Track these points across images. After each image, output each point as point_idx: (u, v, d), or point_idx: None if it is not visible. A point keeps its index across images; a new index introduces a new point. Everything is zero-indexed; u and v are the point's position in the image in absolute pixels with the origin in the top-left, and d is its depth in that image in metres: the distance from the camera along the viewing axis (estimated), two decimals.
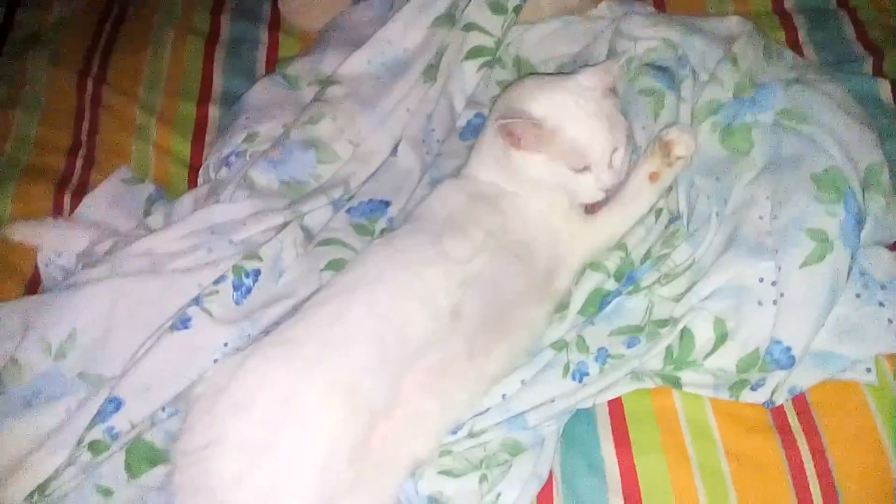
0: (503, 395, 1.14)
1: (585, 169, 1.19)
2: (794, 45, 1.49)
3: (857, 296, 1.13)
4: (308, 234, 1.33)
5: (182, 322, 1.15)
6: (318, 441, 1.00)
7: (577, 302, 1.20)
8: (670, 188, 1.26)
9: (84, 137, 1.54)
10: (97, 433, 1.09)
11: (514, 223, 1.21)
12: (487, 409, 1.13)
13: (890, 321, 1.11)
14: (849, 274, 1.12)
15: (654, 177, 1.24)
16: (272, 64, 1.65)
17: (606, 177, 1.19)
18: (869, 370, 1.10)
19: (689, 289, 1.18)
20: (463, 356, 1.09)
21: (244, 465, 0.98)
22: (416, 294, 1.10)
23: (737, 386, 1.10)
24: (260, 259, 1.23)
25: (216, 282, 1.20)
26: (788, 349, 1.08)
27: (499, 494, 1.08)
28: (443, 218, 1.21)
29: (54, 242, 1.36)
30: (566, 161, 1.18)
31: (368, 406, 1.03)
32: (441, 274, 1.12)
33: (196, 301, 1.18)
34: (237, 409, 1.01)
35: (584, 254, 1.23)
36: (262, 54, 1.67)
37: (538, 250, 1.20)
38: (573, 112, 1.18)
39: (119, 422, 1.10)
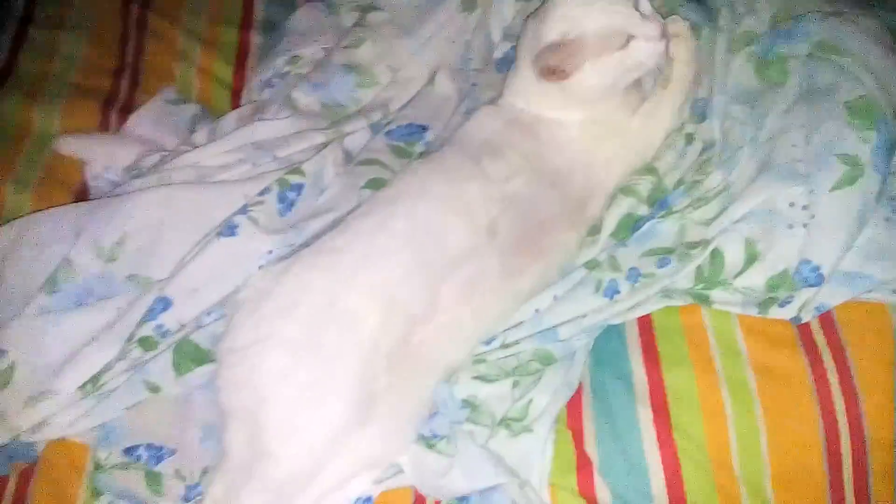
0: (536, 310, 1.17)
1: (631, 39, 1.19)
2: None
3: (886, 220, 1.15)
4: (348, 155, 1.37)
5: (229, 229, 1.19)
6: (359, 341, 1.04)
7: (609, 226, 1.23)
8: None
9: (129, 60, 1.57)
10: (147, 330, 1.14)
11: (549, 150, 1.24)
12: (520, 323, 1.17)
13: None
14: (879, 198, 1.14)
15: (663, 83, 1.28)
16: None
17: (649, 27, 1.19)
18: (895, 291, 1.13)
19: (720, 213, 1.20)
20: (496, 271, 1.13)
21: (288, 362, 1.03)
22: (456, 208, 1.13)
23: (765, 303, 1.13)
24: (303, 174, 1.27)
25: (261, 193, 1.23)
26: (817, 268, 1.11)
27: (531, 400, 1.12)
28: (480, 141, 1.24)
29: (102, 156, 1.40)
30: (611, 47, 1.19)
31: (406, 310, 1.07)
32: (479, 190, 1.15)
33: (243, 210, 1.21)
34: (282, 311, 1.06)
35: (619, 175, 1.26)
36: None
37: (573, 177, 1.23)
38: (580, 10, 1.19)
39: (168, 320, 1.15)
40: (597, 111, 1.25)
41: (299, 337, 1.04)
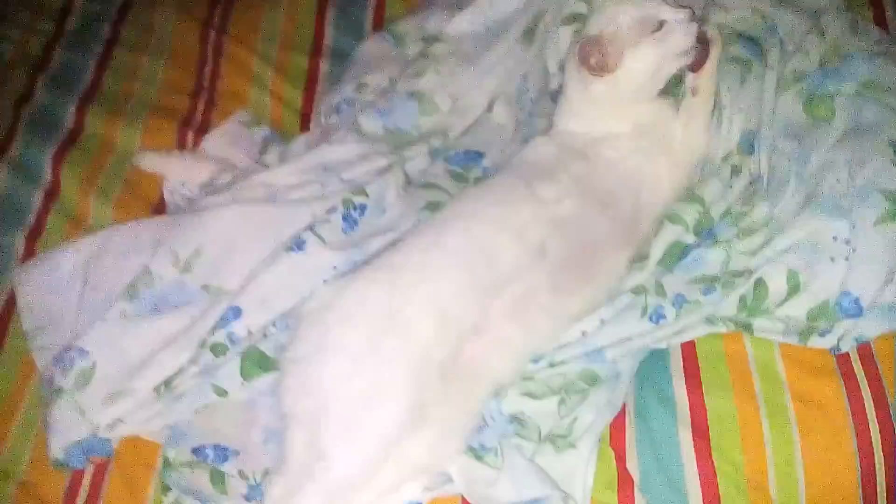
0: (583, 332, 1.22)
1: (663, 25, 1.27)
2: (881, 22, 1.53)
3: None
4: (408, 179, 1.43)
5: (297, 244, 1.26)
6: (414, 352, 1.10)
7: (656, 253, 1.27)
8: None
9: (206, 82, 1.67)
10: (219, 337, 1.21)
11: (600, 171, 1.29)
12: (568, 344, 1.21)
13: None
14: None
15: (693, 90, 1.34)
16: (378, 22, 1.75)
17: (678, 11, 1.27)
18: None
19: (765, 244, 1.24)
20: (546, 290, 1.18)
21: (348, 369, 1.09)
22: (507, 228, 1.19)
23: (806, 332, 1.17)
24: (366, 195, 1.34)
25: (328, 212, 1.31)
26: (857, 299, 1.14)
27: (575, 418, 1.17)
28: (533, 166, 1.30)
29: (179, 172, 1.49)
30: (646, 32, 1.26)
31: (458, 324, 1.13)
32: (530, 212, 1.20)
33: (310, 227, 1.28)
34: (343, 322, 1.12)
35: (667, 193, 1.30)
36: (369, 13, 1.78)
37: (623, 197, 1.27)
38: (612, 10, 1.29)
39: (238, 328, 1.22)
40: (642, 118, 1.32)
41: (358, 345, 1.10)
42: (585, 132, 1.34)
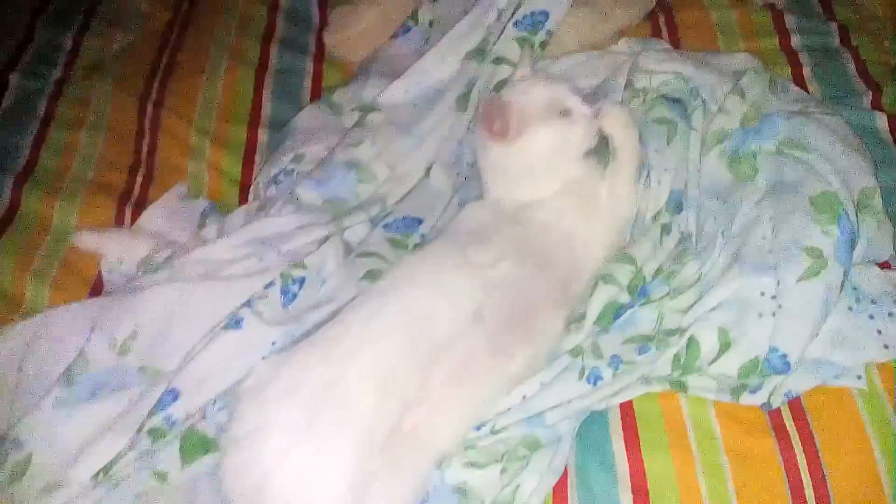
0: (524, 396, 1.23)
1: (567, 113, 1.33)
2: (800, 80, 1.59)
3: (850, 308, 1.22)
4: (348, 248, 1.44)
5: (235, 322, 1.26)
6: (355, 424, 1.09)
7: (592, 313, 1.28)
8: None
9: (144, 157, 1.67)
10: (156, 421, 1.20)
11: (534, 233, 1.31)
12: (509, 409, 1.22)
13: (879, 332, 1.21)
14: (842, 289, 1.21)
15: (613, 153, 1.38)
16: (317, 92, 1.77)
17: (583, 106, 1.34)
18: (859, 377, 1.19)
19: (696, 301, 1.27)
20: (485, 354, 1.18)
21: (287, 445, 1.07)
22: (443, 295, 1.20)
23: (737, 389, 1.20)
24: (305, 268, 1.34)
25: (266, 287, 1.31)
26: (785, 356, 1.17)
27: (518, 486, 1.16)
28: (468, 231, 1.32)
29: (116, 250, 1.48)
30: (551, 116, 1.32)
31: (400, 395, 1.12)
32: (465, 278, 1.21)
33: (248, 304, 1.28)
34: (281, 397, 1.11)
35: (600, 251, 1.33)
36: (307, 83, 1.80)
37: (558, 258, 1.29)
38: (525, 86, 1.38)
39: (176, 411, 1.21)
40: (568, 178, 1.35)
41: (297, 420, 1.08)
42: (513, 199, 1.36)
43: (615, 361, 1.25)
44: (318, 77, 1.82)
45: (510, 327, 1.21)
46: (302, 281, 1.34)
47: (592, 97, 1.43)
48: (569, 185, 1.35)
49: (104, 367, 1.28)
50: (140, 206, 1.58)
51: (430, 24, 1.76)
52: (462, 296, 1.20)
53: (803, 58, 1.63)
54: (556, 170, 1.36)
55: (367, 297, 1.23)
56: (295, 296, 1.33)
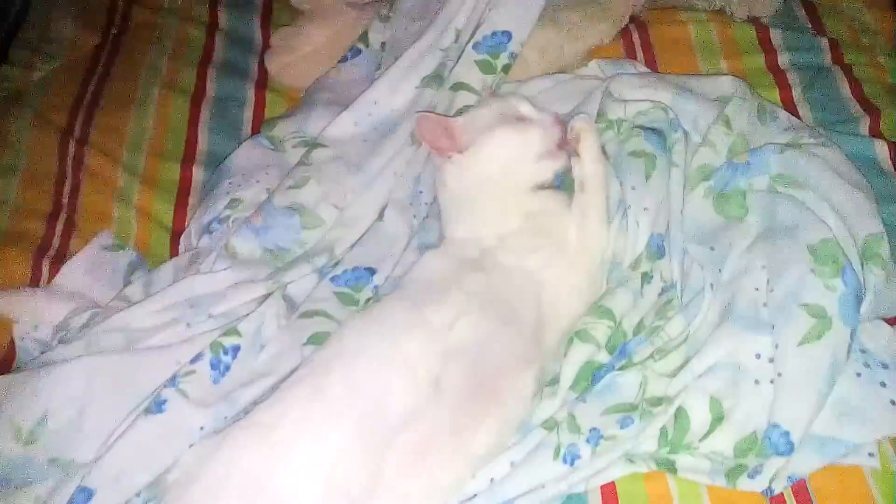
0: (491, 480, 1.09)
1: (524, 121, 1.26)
2: (789, 104, 1.46)
3: (858, 375, 1.08)
4: (291, 304, 1.29)
5: (157, 405, 1.11)
6: None
7: (567, 376, 1.15)
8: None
9: (65, 201, 1.51)
10: None
11: (496, 281, 1.17)
12: (474, 496, 1.08)
13: (892, 402, 1.06)
14: (849, 352, 1.07)
15: (580, 185, 1.26)
16: (259, 123, 1.62)
17: (542, 114, 1.27)
18: (871, 454, 1.05)
19: (683, 364, 1.13)
20: (445, 430, 1.04)
21: None
22: (395, 366, 1.06)
23: (734, 472, 1.05)
24: (239, 335, 1.20)
25: (193, 360, 1.16)
26: (787, 434, 1.03)
27: None
28: (425, 285, 1.19)
29: (30, 314, 1.32)
30: (502, 123, 1.26)
31: (346, 489, 0.98)
32: (419, 344, 1.08)
33: (172, 382, 1.14)
34: (210, 497, 0.98)
35: (571, 298, 1.20)
36: (248, 113, 1.65)
37: (523, 308, 1.16)
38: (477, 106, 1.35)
39: None
40: (528, 211, 1.24)
41: None
42: (475, 237, 1.23)
43: (594, 436, 1.10)
44: (259, 106, 1.66)
45: (472, 396, 1.07)
46: (236, 350, 1.19)
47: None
48: (531, 219, 1.24)
49: (9, 460, 1.12)
50: (59, 260, 1.42)
51: (382, 46, 1.62)
52: (418, 366, 1.07)
53: (792, 78, 1.50)
54: (515, 192, 1.26)
55: (308, 372, 1.09)
56: (228, 368, 1.18)
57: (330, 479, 0.98)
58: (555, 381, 1.16)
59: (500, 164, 1.26)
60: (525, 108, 1.27)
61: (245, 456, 1.00)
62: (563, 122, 1.28)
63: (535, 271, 1.19)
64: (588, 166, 1.26)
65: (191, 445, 1.10)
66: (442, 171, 1.30)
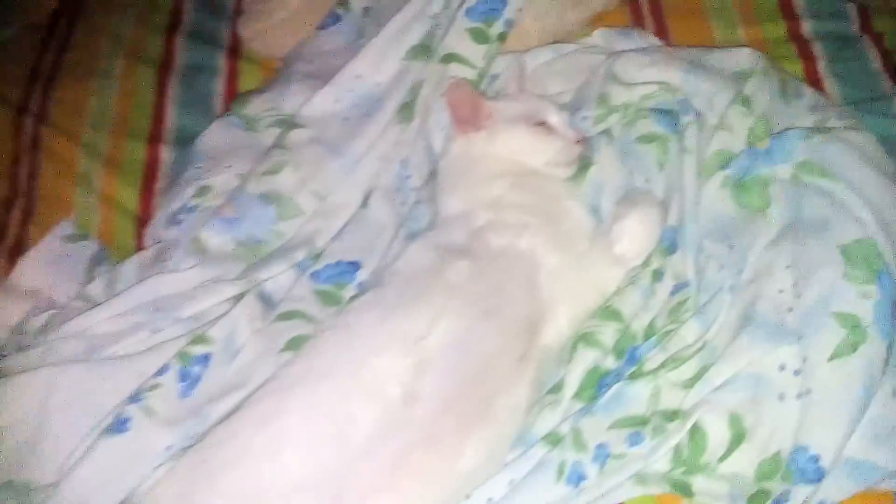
0: (489, 500, 1.00)
1: (544, 125, 1.20)
2: (813, 78, 1.36)
3: (895, 393, 0.99)
4: (268, 303, 1.19)
5: (119, 424, 1.02)
6: None
7: (571, 384, 1.06)
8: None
9: (22, 187, 1.40)
10: None
11: (484, 267, 1.08)
12: None
13: None
14: (885, 367, 0.98)
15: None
16: (231, 95, 1.50)
17: (570, 129, 1.21)
18: None
19: (699, 374, 1.03)
20: (422, 446, 0.95)
21: None
22: (362, 388, 0.98)
23: (756, 498, 0.96)
24: (209, 342, 1.10)
25: (159, 372, 1.06)
26: (816, 459, 0.93)
27: None
28: (403, 283, 1.09)
29: None
30: (526, 122, 1.20)
31: None
32: (390, 359, 1.00)
33: (135, 398, 1.04)
34: None
35: (570, 291, 1.10)
36: (220, 84, 1.53)
37: (513, 293, 1.07)
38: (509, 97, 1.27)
39: None
40: (525, 184, 1.18)
41: None
42: (466, 213, 1.15)
43: (601, 454, 1.01)
44: (232, 77, 1.54)
45: (455, 408, 0.98)
46: (206, 359, 1.10)
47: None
48: (535, 201, 1.16)
49: None
50: (16, 252, 1.32)
51: (365, 11, 1.49)
52: (387, 383, 0.98)
53: (817, 49, 1.39)
54: (521, 177, 1.18)
55: (267, 392, 1.01)
56: (198, 379, 1.09)
57: None
58: (558, 388, 1.07)
59: (511, 157, 1.21)
60: (554, 119, 1.22)
61: (189, 485, 0.95)
62: (585, 137, 1.22)
63: (528, 251, 1.10)
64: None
65: (157, 467, 1.01)
66: (454, 142, 1.25)
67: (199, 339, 1.10)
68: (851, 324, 0.97)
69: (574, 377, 1.07)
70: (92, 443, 1.02)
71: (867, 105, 1.28)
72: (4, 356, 1.15)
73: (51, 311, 1.21)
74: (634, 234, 1.12)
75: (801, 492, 0.94)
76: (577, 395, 1.07)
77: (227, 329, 1.12)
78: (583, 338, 1.08)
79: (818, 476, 0.94)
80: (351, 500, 0.93)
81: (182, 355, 1.08)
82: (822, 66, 1.37)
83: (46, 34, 1.60)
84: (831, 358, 0.96)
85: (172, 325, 1.14)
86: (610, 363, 1.08)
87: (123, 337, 1.13)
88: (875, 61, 1.36)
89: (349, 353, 1.02)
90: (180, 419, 1.04)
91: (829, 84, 1.35)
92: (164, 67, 1.54)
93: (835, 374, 0.96)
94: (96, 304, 1.18)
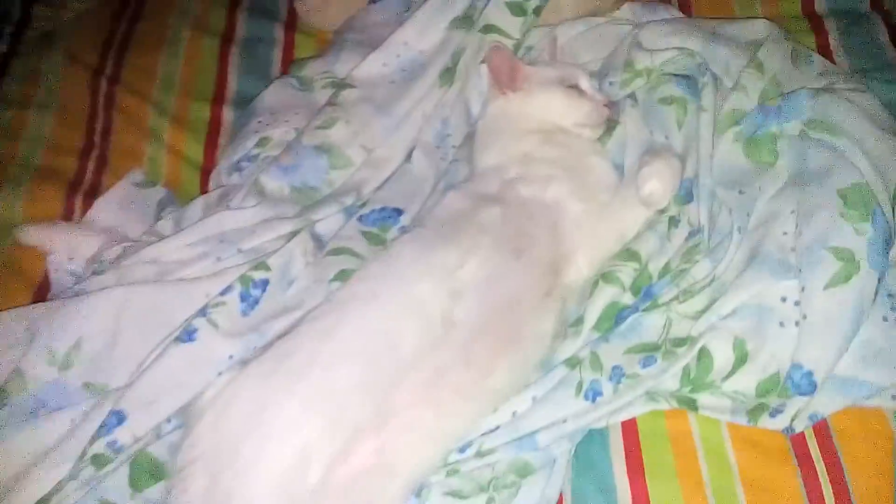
0: (513, 413, 1.10)
1: (576, 88, 1.31)
2: (825, 50, 1.44)
3: (884, 319, 1.08)
4: (319, 242, 1.31)
5: (188, 334, 1.13)
6: (284, 451, 0.98)
7: (591, 316, 1.16)
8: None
9: (97, 139, 1.52)
10: (100, 447, 1.06)
11: (513, 213, 1.18)
12: (497, 428, 1.09)
13: None
14: (875, 296, 1.07)
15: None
16: (288, 64, 1.62)
17: (600, 94, 1.33)
18: (895, 397, 1.05)
19: (708, 306, 1.13)
20: (458, 365, 1.06)
21: (209, 478, 0.97)
22: (405, 309, 1.08)
23: (755, 411, 1.06)
24: (268, 269, 1.21)
25: (223, 292, 1.17)
26: (810, 374, 1.03)
27: None
28: (439, 224, 1.20)
29: (64, 247, 1.34)
30: (560, 85, 1.32)
31: (352, 421, 1.00)
32: (430, 285, 1.09)
33: (202, 312, 1.15)
34: (214, 424, 1.02)
35: (593, 235, 1.20)
36: (277, 54, 1.65)
37: (540, 234, 1.17)
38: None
39: (122, 435, 1.07)
40: (556, 140, 1.29)
41: (224, 449, 0.99)
42: (499, 166, 1.25)
43: (616, 374, 1.12)
44: (288, 47, 1.66)
45: (486, 333, 1.09)
46: (265, 284, 1.20)
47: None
48: (562, 156, 1.26)
49: (43, 384, 1.14)
50: (91, 196, 1.43)
51: None
52: (430, 306, 1.08)
53: (829, 24, 1.48)
54: (551, 134, 1.30)
55: (324, 312, 1.11)
56: (257, 301, 1.19)
57: (334, 411, 1.00)
58: (579, 321, 1.17)
59: (543, 117, 1.31)
60: (585, 83, 1.32)
61: (251, 386, 1.03)
62: (613, 104, 1.33)
63: (553, 201, 1.20)
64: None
65: (220, 373, 1.12)
66: (491, 103, 1.36)
67: (259, 266, 1.20)
68: (846, 257, 1.06)
69: (594, 311, 1.16)
70: (162, 350, 1.13)
71: (874, 74, 1.36)
72: (84, 280, 1.28)
73: (124, 244, 1.31)
74: (663, 175, 1.20)
75: (794, 403, 1.04)
76: (595, 327, 1.16)
77: (284, 259, 1.23)
78: (604, 276, 1.18)
79: (811, 389, 1.03)
80: (400, 405, 1.02)
81: (244, 279, 1.18)
82: (833, 39, 1.45)
83: (120, 6, 1.72)
84: (826, 287, 1.05)
85: (235, 255, 1.25)
86: (627, 299, 1.17)
87: (191, 264, 1.24)
88: (883, 35, 1.43)
89: (393, 279, 1.11)
90: (242, 333, 1.15)
91: (839, 56, 1.43)
92: (226, 38, 1.65)
93: (829, 301, 1.05)
94: (166, 237, 1.31)
